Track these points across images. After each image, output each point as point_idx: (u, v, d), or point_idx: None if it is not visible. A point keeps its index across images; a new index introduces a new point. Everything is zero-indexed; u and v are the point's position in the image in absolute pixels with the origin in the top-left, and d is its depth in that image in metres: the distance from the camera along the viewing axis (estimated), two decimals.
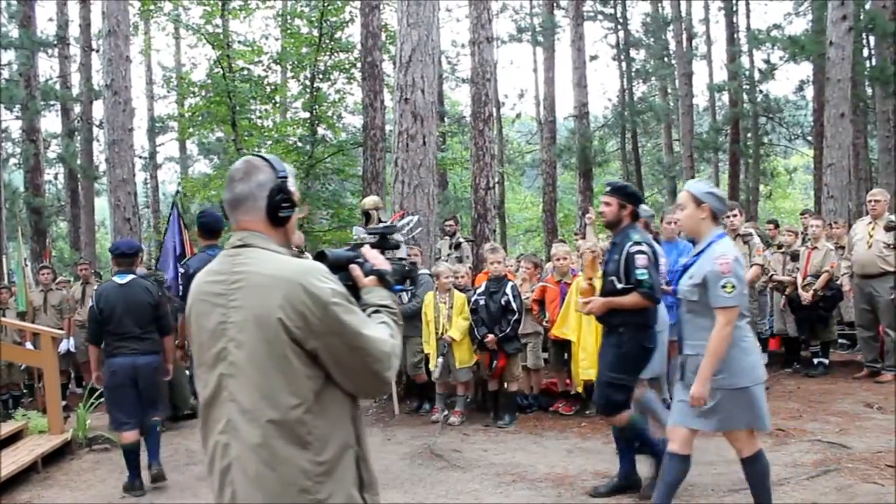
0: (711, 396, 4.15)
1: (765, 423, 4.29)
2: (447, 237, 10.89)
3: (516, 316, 7.52)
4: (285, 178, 2.29)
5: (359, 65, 16.63)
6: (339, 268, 2.40)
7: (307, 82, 17.98)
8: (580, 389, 7.75)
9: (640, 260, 4.97)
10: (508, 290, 7.57)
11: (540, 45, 23.78)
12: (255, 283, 2.15)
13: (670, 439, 4.48)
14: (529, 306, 8.00)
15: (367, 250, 2.58)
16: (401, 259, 2.68)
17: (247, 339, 2.13)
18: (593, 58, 23.63)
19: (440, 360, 7.68)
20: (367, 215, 8.51)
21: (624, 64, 24.25)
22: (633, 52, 24.78)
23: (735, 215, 8.44)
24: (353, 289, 2.37)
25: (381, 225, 2.92)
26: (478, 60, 12.71)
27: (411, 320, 8.07)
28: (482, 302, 7.61)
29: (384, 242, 2.75)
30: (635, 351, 5.15)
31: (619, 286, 5.09)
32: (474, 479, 6.11)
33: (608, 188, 5.37)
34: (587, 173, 20.79)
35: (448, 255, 10.41)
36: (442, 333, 7.74)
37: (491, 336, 7.47)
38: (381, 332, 2.24)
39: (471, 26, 12.99)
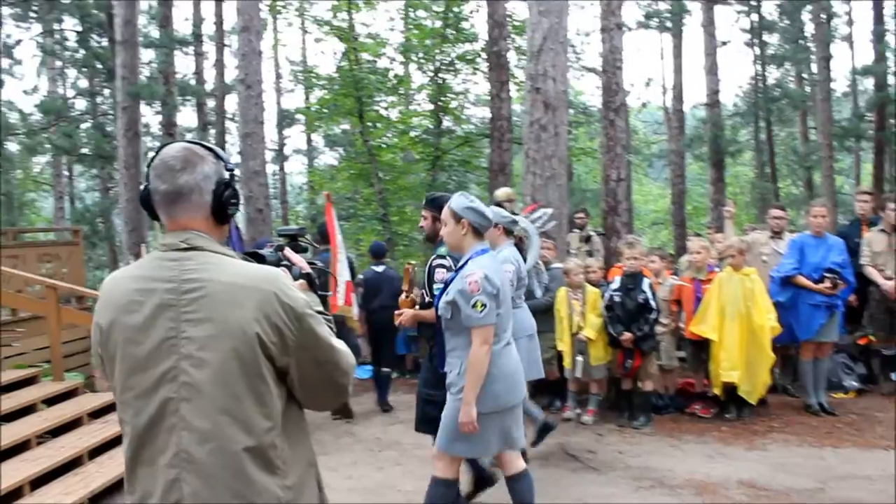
0: (449, 417, 4.13)
1: (487, 451, 4.31)
2: (577, 230, 10.66)
3: (654, 315, 7.24)
4: (233, 169, 2.08)
5: (483, 55, 16.58)
6: None
7: (432, 73, 18.01)
8: (719, 391, 7.41)
9: (439, 274, 4.77)
10: (645, 287, 7.30)
11: (668, 31, 23.04)
12: (219, 293, 1.89)
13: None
14: (666, 304, 7.70)
15: (290, 253, 2.43)
16: (311, 263, 2.49)
17: (211, 356, 1.87)
18: (724, 43, 22.67)
19: (580, 358, 7.48)
20: (499, 207, 8.37)
21: (757, 48, 23.20)
22: (766, 36, 23.66)
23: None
24: None
25: (295, 227, 2.76)
26: (608, 48, 12.34)
27: (543, 315, 7.91)
28: (618, 299, 7.36)
29: (295, 245, 2.60)
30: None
31: (427, 299, 4.92)
32: (610, 481, 5.93)
33: (424, 201, 5.22)
34: (719, 163, 20.00)
35: (578, 248, 10.19)
36: (577, 331, 7.53)
37: (628, 334, 7.23)
38: (340, 342, 2.09)
39: (601, 13, 12.64)
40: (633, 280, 7.37)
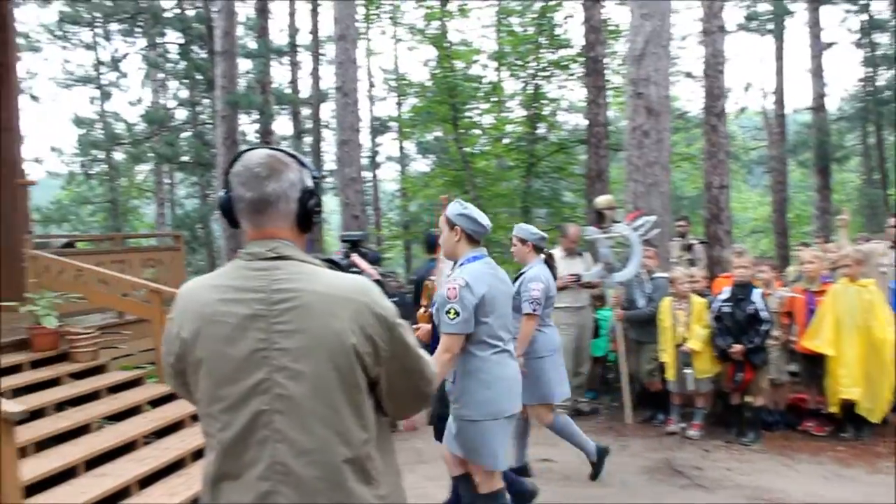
0: (454, 423, 4.13)
1: (496, 463, 4.12)
2: (677, 239, 10.34)
3: (766, 326, 6.92)
4: (318, 178, 2.01)
5: (578, 61, 16.37)
6: None
7: (526, 80, 17.88)
8: (836, 409, 7.04)
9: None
10: (756, 298, 6.98)
11: (769, 34, 22.33)
12: (313, 303, 1.85)
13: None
14: (776, 316, 7.36)
15: (358, 259, 2.34)
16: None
17: (307, 368, 1.82)
18: (830, 44, 21.82)
19: (688, 371, 7.22)
20: (599, 215, 8.19)
21: (866, 49, 22.24)
22: (876, 36, 22.66)
23: None
24: None
25: (357, 233, 2.67)
26: (710, 51, 12.00)
27: (646, 326, 7.70)
28: (727, 309, 7.07)
29: (357, 251, 2.50)
30: None
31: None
32: (720, 500, 5.66)
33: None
34: (824, 170, 19.25)
35: (678, 257, 9.88)
36: (682, 342, 7.27)
37: (738, 346, 6.93)
38: (424, 352, 2.06)
39: (703, 15, 12.30)
40: (743, 290, 7.06)
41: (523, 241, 5.82)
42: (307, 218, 1.99)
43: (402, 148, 27.39)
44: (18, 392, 6.26)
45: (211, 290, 1.92)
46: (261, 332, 1.84)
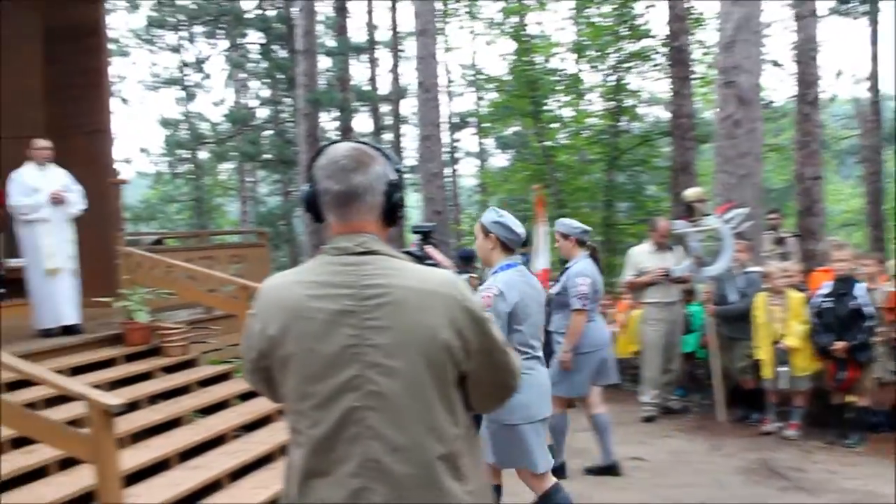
0: (487, 429, 4.07)
1: (535, 464, 4.08)
2: (769, 231, 9.98)
3: (871, 322, 6.59)
4: (401, 171, 1.96)
5: (661, 51, 16.02)
6: None
7: (607, 72, 17.59)
8: None
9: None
10: (859, 292, 6.66)
11: (864, 17, 21.44)
12: (404, 299, 1.82)
13: None
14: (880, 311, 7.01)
15: (434, 251, 2.25)
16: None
17: (401, 364, 1.80)
18: None
19: (785, 368, 6.95)
20: (688, 208, 7.96)
21: None
22: None
23: None
24: None
25: (428, 224, 2.57)
26: (802, 37, 11.58)
27: (738, 321, 7.43)
28: (828, 305, 6.76)
29: (429, 241, 2.42)
30: None
31: None
32: None
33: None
34: None
35: (770, 251, 9.53)
36: (778, 339, 6.99)
37: (841, 343, 6.61)
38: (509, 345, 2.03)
39: (794, 0, 11.88)
40: (844, 285, 6.74)
41: (566, 237, 5.83)
42: (392, 212, 1.96)
43: (481, 143, 27.33)
44: (113, 385, 6.39)
45: (298, 286, 1.89)
46: (351, 329, 1.81)
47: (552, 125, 17.45)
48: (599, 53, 17.49)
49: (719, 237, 7.57)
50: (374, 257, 1.87)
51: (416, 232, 2.66)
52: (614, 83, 17.20)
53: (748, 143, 8.62)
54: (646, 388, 7.98)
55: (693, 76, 14.41)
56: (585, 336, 5.66)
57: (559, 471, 5.64)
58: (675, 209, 11.49)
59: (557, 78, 17.52)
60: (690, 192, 8.05)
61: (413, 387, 1.80)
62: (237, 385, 7.35)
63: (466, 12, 21.29)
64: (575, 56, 18.57)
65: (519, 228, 4.19)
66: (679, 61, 13.70)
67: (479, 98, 22.01)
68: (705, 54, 16.58)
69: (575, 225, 5.87)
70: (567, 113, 18.53)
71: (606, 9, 17.45)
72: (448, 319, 1.83)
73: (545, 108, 17.36)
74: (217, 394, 6.99)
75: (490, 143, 27.07)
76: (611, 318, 8.96)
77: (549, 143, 16.87)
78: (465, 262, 9.16)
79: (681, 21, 13.70)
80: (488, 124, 20.74)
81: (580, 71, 18.92)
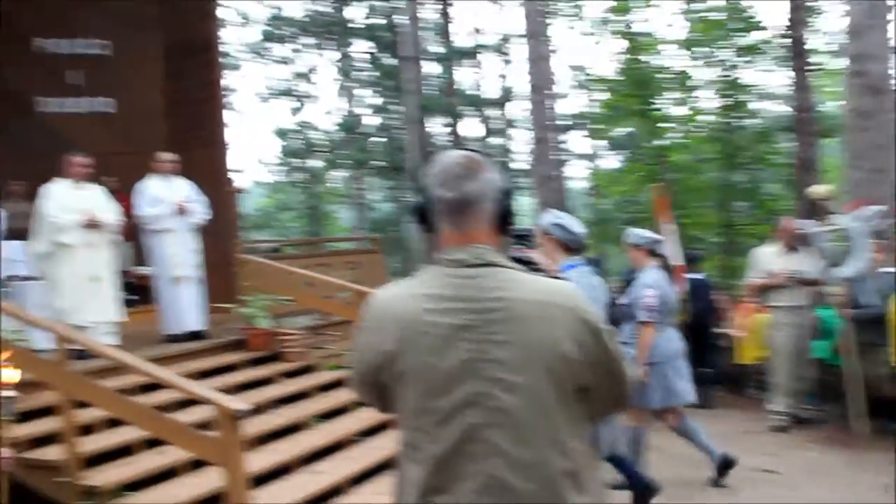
0: None
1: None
2: None
3: None
4: (512, 179, 1.86)
5: (778, 44, 15.42)
6: None
7: (720, 67, 17.05)
8: None
9: None
10: None
11: None
12: (525, 312, 1.77)
13: None
14: None
15: (535, 255, 2.14)
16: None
17: (523, 379, 1.74)
18: None
19: None
20: (815, 206, 7.59)
21: None
22: None
23: None
24: None
25: (525, 226, 2.46)
26: None
27: (876, 326, 7.01)
28: None
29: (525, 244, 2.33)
30: None
31: None
32: None
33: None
34: None
35: None
36: None
37: None
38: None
39: None
40: None
41: (636, 247, 5.75)
42: (505, 219, 1.91)
43: (590, 145, 26.94)
44: (237, 389, 6.54)
45: (414, 299, 1.86)
46: (471, 343, 1.77)
47: (663, 124, 17.02)
48: (711, 48, 16.97)
49: (851, 237, 7.17)
50: (491, 269, 1.83)
51: (514, 236, 2.62)
52: (728, 78, 16.64)
53: (880, 135, 8.18)
54: (776, 396, 7.64)
55: (814, 67, 13.80)
56: (655, 347, 5.57)
57: (645, 488, 5.44)
58: (800, 207, 11.00)
59: (668, 75, 17.08)
60: (818, 190, 7.68)
61: (536, 402, 1.76)
62: None
63: (573, 13, 21.05)
64: (686, 52, 18.09)
65: (578, 229, 4.36)
66: (799, 53, 13.15)
67: (590, 99, 21.73)
68: (827, 44, 15.86)
69: (644, 235, 5.84)
70: (679, 111, 18.08)
71: (718, 2, 16.93)
72: (568, 332, 1.78)
73: (655, 106, 16.96)
74: (336, 399, 7.06)
75: (600, 144, 26.68)
76: (733, 323, 8.69)
77: (660, 143, 16.47)
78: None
79: (799, 11, 13.14)
80: (599, 125, 20.42)
81: (692, 66, 18.41)
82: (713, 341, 8.97)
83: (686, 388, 5.71)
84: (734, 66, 16.76)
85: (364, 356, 1.94)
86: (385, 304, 1.92)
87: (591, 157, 26.98)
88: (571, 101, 24.59)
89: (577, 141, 28.13)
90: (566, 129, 26.40)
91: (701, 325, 8.57)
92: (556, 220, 4.32)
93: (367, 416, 6.86)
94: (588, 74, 20.93)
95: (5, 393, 3.80)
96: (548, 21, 20.89)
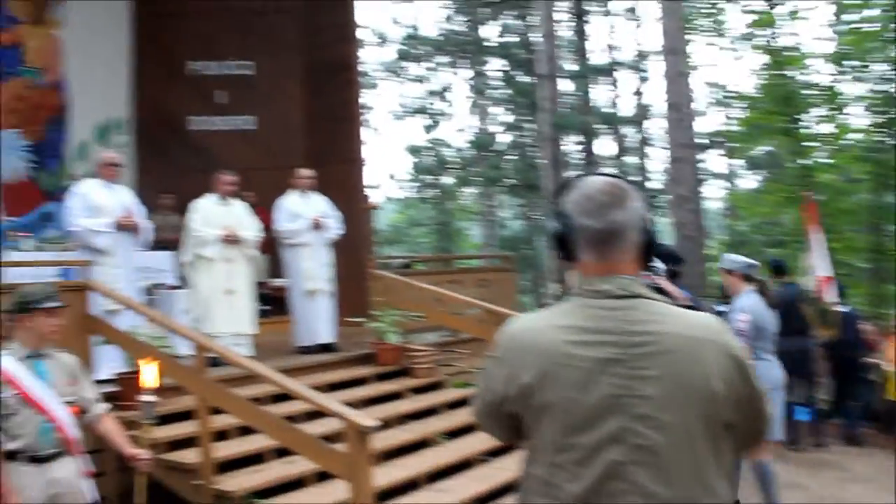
0: None
1: None
2: None
3: None
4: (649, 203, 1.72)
5: None
6: None
7: (874, 81, 16.10)
8: None
9: None
10: None
11: None
12: (675, 347, 1.70)
13: None
14: None
15: (665, 283, 1.98)
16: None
17: (672, 417, 1.67)
18: None
19: None
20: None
21: None
22: None
23: None
24: None
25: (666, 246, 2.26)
26: None
27: None
28: None
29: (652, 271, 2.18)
30: None
31: None
32: None
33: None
34: None
35: None
36: None
37: None
38: None
39: None
40: None
41: (729, 272, 5.71)
42: (649, 249, 1.85)
43: (728, 164, 26.08)
44: (366, 403, 6.61)
45: (554, 330, 1.78)
46: (617, 378, 1.70)
47: (809, 142, 16.20)
48: (864, 62, 16.04)
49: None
50: (637, 301, 1.77)
51: (663, 262, 2.46)
52: (882, 93, 15.67)
53: None
54: None
55: None
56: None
57: None
58: None
59: (815, 91, 16.27)
60: None
61: (684, 441, 1.69)
62: None
63: (713, 28, 20.41)
64: (834, 67, 17.19)
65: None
66: None
67: (728, 117, 20.99)
68: None
69: (737, 260, 5.83)
70: (827, 129, 17.18)
71: (872, 12, 15.98)
72: (718, 368, 1.71)
73: (801, 124, 16.17)
74: (464, 417, 7.00)
75: (738, 163, 25.76)
76: (884, 355, 8.17)
77: (807, 162, 15.67)
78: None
79: None
80: (738, 144, 19.68)
81: (840, 81, 17.49)
82: (862, 374, 8.54)
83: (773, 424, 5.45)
84: (888, 80, 15.79)
85: (494, 385, 1.87)
86: (522, 335, 1.84)
87: (728, 177, 26.11)
88: (709, 119, 23.94)
89: (714, 160, 27.29)
90: (703, 147, 25.68)
91: (848, 357, 8.29)
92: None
93: None
94: (727, 91, 20.24)
95: (146, 398, 3.95)
96: (686, 37, 20.46)
